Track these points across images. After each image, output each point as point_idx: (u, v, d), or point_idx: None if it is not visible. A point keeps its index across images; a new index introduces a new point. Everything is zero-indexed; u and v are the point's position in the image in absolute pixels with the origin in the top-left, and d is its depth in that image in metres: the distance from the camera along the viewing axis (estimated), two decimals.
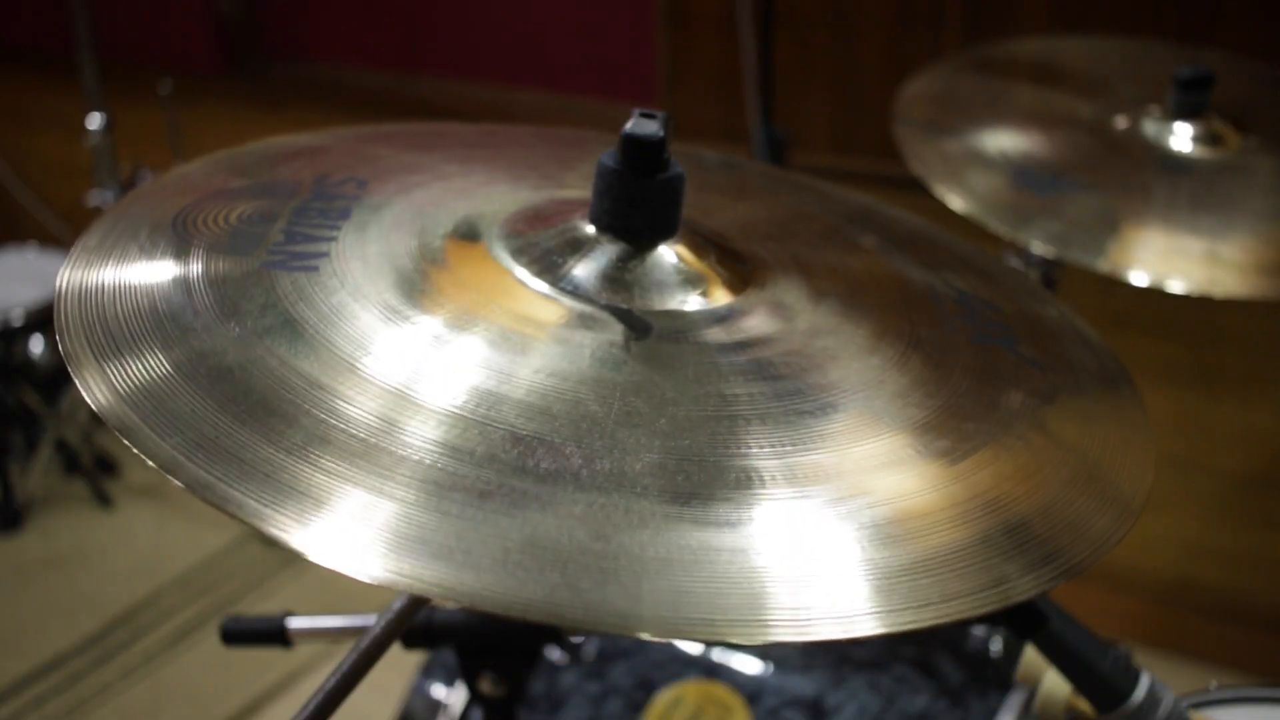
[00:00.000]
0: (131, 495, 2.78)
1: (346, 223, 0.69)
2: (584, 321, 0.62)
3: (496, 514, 0.50)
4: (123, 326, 0.59)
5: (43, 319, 2.66)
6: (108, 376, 0.55)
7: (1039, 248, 1.19)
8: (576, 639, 1.17)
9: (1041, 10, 2.03)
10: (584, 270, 0.65)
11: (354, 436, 0.53)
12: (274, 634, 0.95)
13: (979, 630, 1.30)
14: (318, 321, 0.60)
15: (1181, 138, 1.25)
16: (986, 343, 0.70)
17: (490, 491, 0.51)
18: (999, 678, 1.24)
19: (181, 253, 0.65)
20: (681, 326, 0.63)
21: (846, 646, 1.22)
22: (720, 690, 1.23)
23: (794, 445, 0.57)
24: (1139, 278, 1.11)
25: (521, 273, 0.65)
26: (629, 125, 0.65)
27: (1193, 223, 1.17)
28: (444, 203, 0.73)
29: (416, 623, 0.90)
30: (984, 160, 1.25)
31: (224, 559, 2.56)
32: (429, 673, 1.29)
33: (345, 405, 0.55)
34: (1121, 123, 1.29)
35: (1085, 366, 0.72)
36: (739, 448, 0.56)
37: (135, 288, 0.62)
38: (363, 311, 0.61)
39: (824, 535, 0.53)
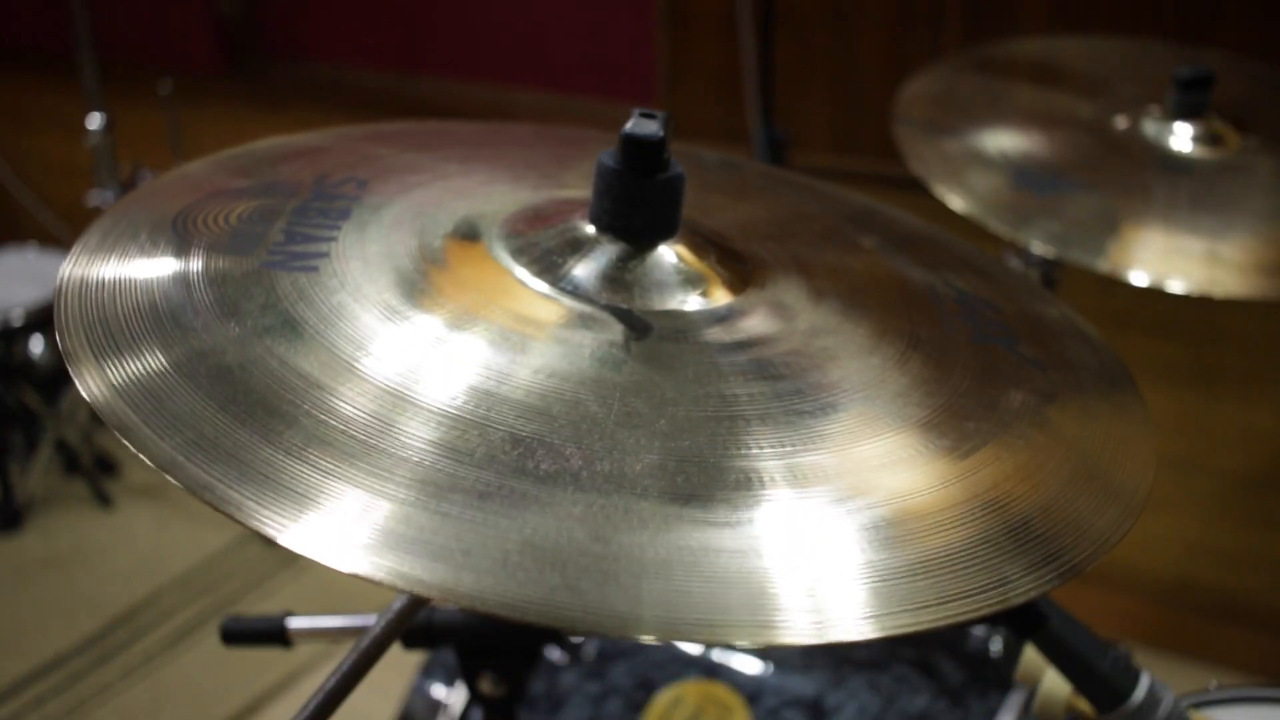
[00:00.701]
0: (131, 495, 2.78)
1: (346, 223, 0.69)
2: (584, 322, 0.62)
3: (496, 515, 0.50)
4: (123, 325, 0.59)
5: (43, 319, 2.66)
6: (107, 375, 0.55)
7: (1039, 248, 1.19)
8: (576, 639, 1.17)
9: (1041, 10, 2.03)
10: (584, 270, 0.65)
11: (353, 437, 0.53)
12: (274, 634, 0.95)
13: (979, 630, 1.30)
14: (317, 322, 0.60)
15: (1181, 138, 1.25)
16: (987, 342, 0.70)
17: (489, 492, 0.51)
18: (999, 678, 1.24)
19: (181, 252, 0.65)
20: (681, 326, 0.63)
21: (847, 647, 1.22)
22: (720, 690, 1.23)
23: (794, 445, 0.57)
24: (1139, 278, 1.10)
25: (521, 273, 0.65)
26: (629, 125, 0.65)
27: (1193, 223, 1.17)
28: (444, 202, 0.73)
29: (416, 623, 0.90)
30: (984, 160, 1.25)
31: (224, 559, 2.56)
32: (429, 673, 1.29)
33: (345, 406, 0.55)
34: (1121, 123, 1.29)
35: (1086, 366, 0.72)
36: (739, 448, 0.56)
37: (135, 287, 0.62)
38: (363, 312, 0.61)
39: (825, 536, 0.53)
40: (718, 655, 1.26)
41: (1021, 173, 1.22)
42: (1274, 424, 2.12)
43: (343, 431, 0.53)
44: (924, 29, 2.12)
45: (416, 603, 0.76)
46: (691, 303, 0.65)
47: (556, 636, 1.01)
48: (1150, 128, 1.27)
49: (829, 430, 0.58)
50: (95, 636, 2.35)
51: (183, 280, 0.62)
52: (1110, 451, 0.64)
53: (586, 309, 0.63)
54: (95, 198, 2.16)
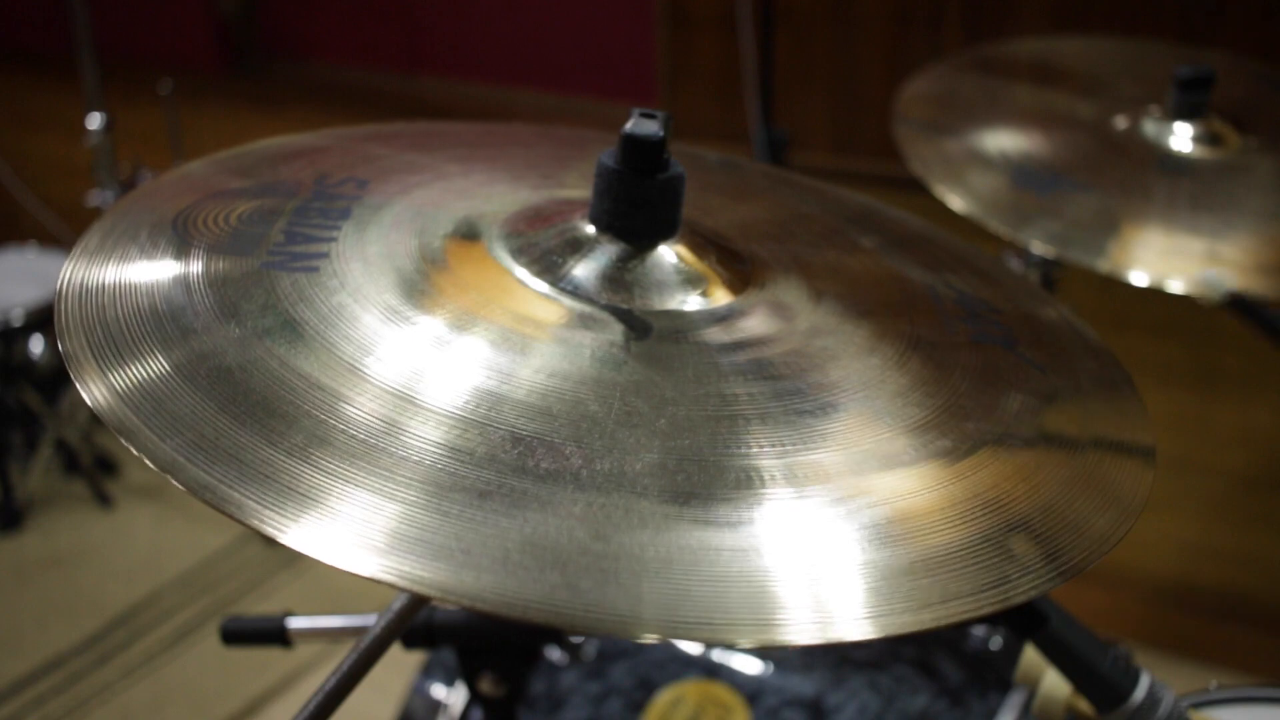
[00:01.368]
0: (131, 495, 2.78)
1: (347, 223, 0.69)
2: (584, 322, 0.62)
3: (496, 514, 0.50)
4: (123, 327, 0.59)
5: (43, 319, 2.66)
6: (107, 378, 0.55)
7: (1039, 248, 1.19)
8: (576, 639, 1.17)
9: (1041, 10, 2.03)
10: (584, 270, 0.65)
11: (354, 437, 0.53)
12: (274, 634, 0.95)
13: (979, 630, 1.30)
14: (318, 322, 0.60)
15: (1181, 138, 1.25)
16: (986, 343, 0.70)
17: (490, 491, 0.51)
18: (999, 678, 1.24)
19: (182, 253, 0.65)
20: (681, 327, 0.63)
21: (847, 646, 1.22)
22: (720, 690, 1.23)
23: (794, 445, 0.57)
24: (1139, 278, 1.10)
25: (522, 273, 0.65)
26: (629, 125, 0.65)
27: (1193, 223, 1.17)
28: (444, 202, 0.73)
29: (416, 623, 0.90)
30: (984, 160, 1.25)
31: (224, 559, 2.56)
32: (429, 673, 1.29)
33: (346, 406, 0.55)
34: (1121, 123, 1.29)
35: (1085, 367, 0.72)
36: (739, 448, 0.56)
37: (135, 288, 0.62)
38: (363, 312, 0.61)
39: (824, 535, 0.53)
40: (718, 655, 1.26)
41: (1021, 173, 1.22)
42: (1274, 424, 2.12)
43: (343, 431, 0.53)
44: (924, 29, 2.12)
45: (416, 603, 0.76)
46: (691, 303, 0.65)
47: (556, 636, 1.01)
48: (1150, 128, 1.27)
49: (829, 430, 0.58)
50: (95, 636, 2.35)
51: (183, 281, 0.62)
52: (1109, 451, 0.64)
53: (586, 309, 0.63)
54: (95, 198, 2.16)
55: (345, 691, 0.70)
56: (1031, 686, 0.79)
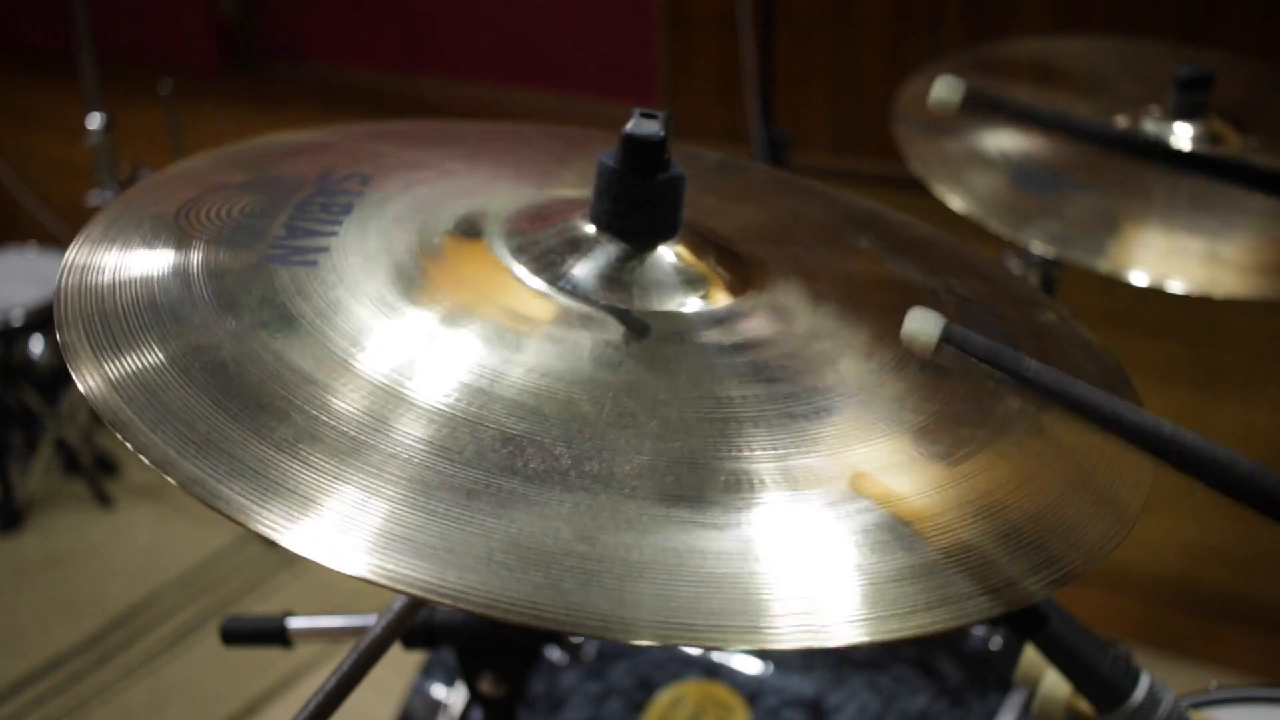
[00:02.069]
0: (131, 495, 2.78)
1: (348, 218, 0.69)
2: (581, 321, 0.62)
3: (482, 513, 0.50)
4: (121, 319, 0.59)
5: (43, 319, 2.66)
6: (103, 367, 0.55)
7: (1039, 248, 1.19)
8: (576, 639, 1.17)
9: (1041, 10, 2.03)
10: (583, 270, 0.65)
11: (343, 433, 0.53)
12: (274, 634, 0.95)
13: (979, 630, 1.30)
14: (314, 316, 0.60)
15: (1181, 138, 1.25)
16: None
17: (477, 490, 0.51)
18: (999, 678, 1.24)
19: (183, 245, 0.65)
20: (679, 328, 0.63)
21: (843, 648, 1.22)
22: (720, 690, 1.23)
23: (788, 448, 0.57)
24: (1139, 278, 1.10)
25: (520, 271, 0.65)
26: (629, 125, 0.65)
27: (1193, 223, 1.17)
28: (447, 199, 0.73)
29: (416, 623, 0.90)
30: (984, 160, 1.25)
31: (224, 559, 2.56)
32: (429, 673, 1.29)
33: (335, 401, 0.55)
34: (1121, 123, 1.29)
35: (1084, 371, 0.72)
36: (731, 450, 0.56)
37: (135, 278, 0.62)
38: (359, 308, 0.61)
39: (817, 539, 0.53)
40: (718, 655, 1.26)
41: (1021, 173, 1.22)
42: (1274, 424, 2.12)
43: (333, 428, 0.53)
44: (924, 29, 2.12)
45: (416, 603, 0.75)
46: (690, 304, 0.65)
47: (556, 637, 1.01)
48: (1150, 128, 1.27)
49: (824, 433, 0.58)
50: (95, 636, 2.35)
51: (182, 273, 0.62)
52: (1107, 457, 0.64)
53: (584, 309, 0.63)
54: (95, 198, 2.16)
55: (345, 691, 0.70)
56: (1031, 686, 0.79)
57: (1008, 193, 1.20)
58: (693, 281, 0.66)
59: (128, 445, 0.52)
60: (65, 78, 2.43)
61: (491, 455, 0.53)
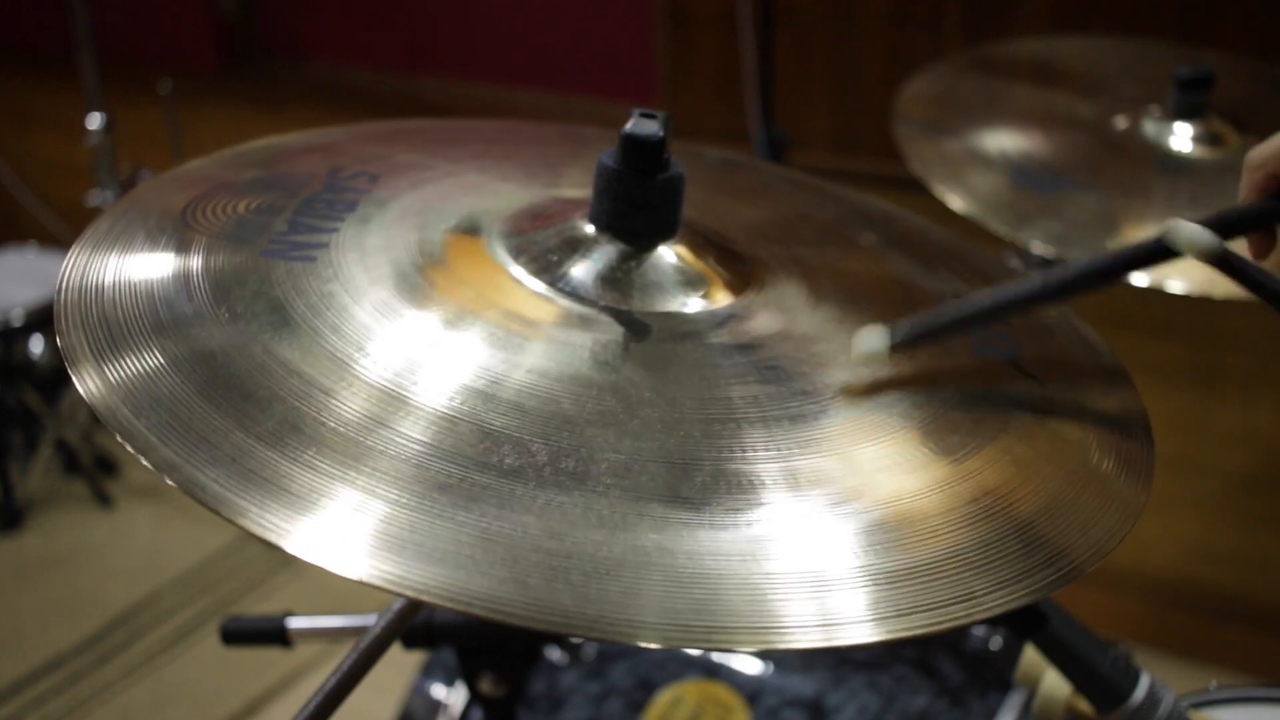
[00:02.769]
0: (131, 495, 2.78)
1: (351, 215, 0.69)
2: (579, 321, 0.62)
3: (454, 507, 0.50)
4: (120, 316, 0.59)
5: (43, 319, 2.66)
6: (103, 371, 0.55)
7: (1039, 248, 1.19)
8: (576, 639, 1.17)
9: (1041, 10, 2.03)
10: (582, 270, 0.65)
11: (326, 426, 0.53)
12: (274, 634, 0.95)
13: (979, 630, 1.30)
14: (305, 310, 0.60)
15: (1181, 138, 1.25)
16: (990, 353, 0.69)
17: (450, 484, 0.51)
18: (999, 678, 1.24)
19: (186, 243, 0.65)
20: (679, 327, 0.63)
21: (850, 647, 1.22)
22: (720, 690, 1.23)
23: (788, 448, 0.56)
24: (1139, 278, 1.10)
25: (518, 271, 0.65)
26: (629, 125, 0.65)
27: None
28: (452, 198, 0.73)
29: (416, 623, 0.90)
30: (984, 160, 1.25)
31: (224, 559, 2.56)
32: (429, 673, 1.29)
33: (324, 396, 0.55)
34: (1121, 123, 1.29)
35: (1086, 367, 0.72)
36: (717, 451, 0.55)
37: (136, 274, 0.62)
38: (352, 303, 0.61)
39: (815, 540, 0.52)
40: (718, 655, 1.26)
41: (1021, 173, 1.22)
42: (1274, 424, 2.12)
43: (314, 418, 0.53)
44: (924, 29, 2.12)
45: (416, 603, 0.75)
46: (690, 304, 0.65)
47: (557, 636, 1.01)
48: (1150, 128, 1.27)
49: (824, 433, 0.58)
50: (95, 636, 2.35)
51: (182, 267, 0.63)
52: (1109, 454, 0.64)
53: (581, 308, 0.63)
54: (95, 198, 2.16)
55: (345, 691, 0.70)
56: (1031, 686, 0.79)
57: (1008, 193, 1.20)
58: (693, 281, 0.66)
59: (128, 447, 0.52)
60: (65, 78, 2.43)
61: (469, 450, 0.53)
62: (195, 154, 0.80)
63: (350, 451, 0.52)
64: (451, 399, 0.55)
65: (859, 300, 0.70)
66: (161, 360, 0.56)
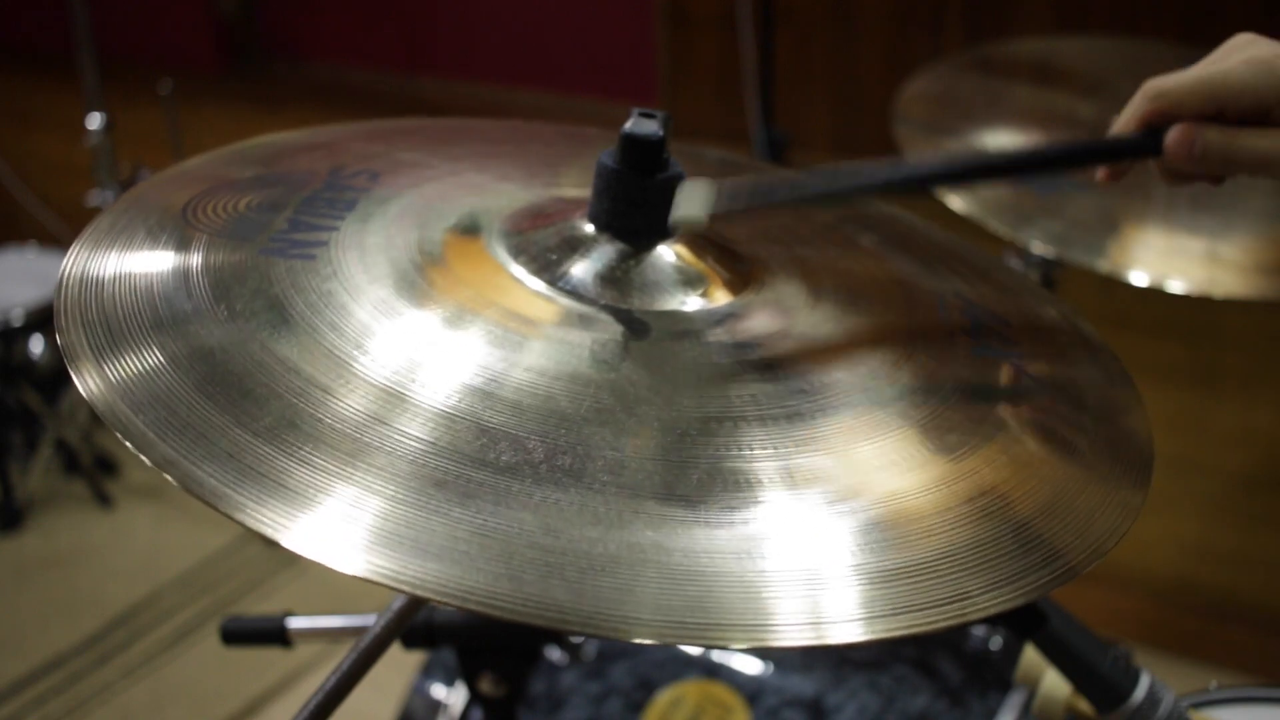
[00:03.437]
0: (131, 495, 2.78)
1: (352, 213, 0.69)
2: (578, 320, 0.62)
3: (449, 503, 0.50)
4: (120, 313, 0.59)
5: (43, 319, 2.66)
6: (104, 370, 0.56)
7: (1039, 248, 1.19)
8: (576, 639, 1.17)
9: (1041, 10, 2.03)
10: (582, 269, 0.65)
11: (324, 423, 0.53)
12: (274, 634, 0.95)
13: (979, 630, 1.30)
14: (303, 307, 0.60)
15: None
16: (987, 355, 0.69)
17: (446, 481, 0.51)
18: (999, 678, 1.24)
19: (187, 241, 0.65)
20: (678, 326, 0.63)
21: (845, 646, 1.22)
22: (720, 690, 1.23)
23: (779, 447, 0.56)
24: (1139, 278, 1.11)
25: (518, 270, 0.65)
26: (629, 125, 0.65)
27: (1193, 223, 1.18)
28: (452, 197, 0.73)
29: (416, 623, 0.90)
30: None
31: (224, 559, 2.56)
32: (429, 673, 1.29)
33: (322, 393, 0.55)
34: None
35: (1086, 367, 0.72)
36: (714, 449, 0.55)
37: (136, 270, 0.62)
38: (350, 301, 0.61)
39: (813, 539, 0.52)
40: (718, 655, 1.26)
41: None
42: (1274, 424, 2.12)
43: (311, 415, 0.53)
44: (924, 29, 2.12)
45: (416, 602, 0.75)
46: (689, 303, 0.65)
47: (557, 636, 1.01)
48: None
49: (823, 431, 0.58)
50: (95, 636, 2.35)
51: (181, 264, 0.63)
52: (1108, 454, 0.64)
53: (581, 307, 0.63)
54: (95, 198, 2.16)
55: (345, 691, 0.70)
56: (1031, 686, 0.79)
57: (1008, 193, 1.20)
58: (692, 280, 0.66)
59: (126, 443, 0.52)
60: (65, 78, 2.43)
61: (465, 447, 0.53)
62: (195, 154, 0.80)
63: (347, 448, 0.52)
64: (449, 397, 0.55)
65: (858, 300, 0.70)
66: (160, 357, 0.56)
